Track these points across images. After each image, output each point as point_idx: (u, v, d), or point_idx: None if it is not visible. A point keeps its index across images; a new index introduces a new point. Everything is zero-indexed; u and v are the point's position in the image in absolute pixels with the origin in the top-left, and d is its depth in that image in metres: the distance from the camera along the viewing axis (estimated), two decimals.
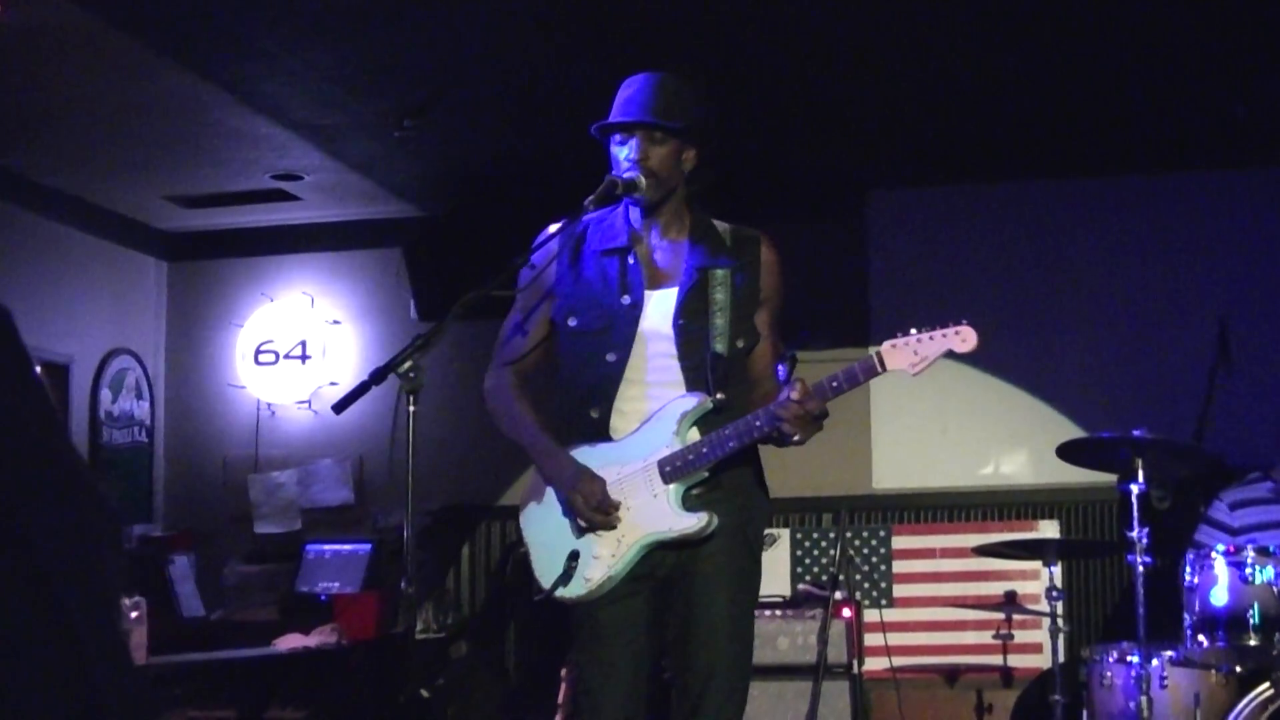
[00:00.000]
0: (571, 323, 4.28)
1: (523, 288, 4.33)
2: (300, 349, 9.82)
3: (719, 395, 4.15)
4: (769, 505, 4.45)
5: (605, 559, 4.15)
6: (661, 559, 4.17)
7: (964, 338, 4.06)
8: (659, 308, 4.23)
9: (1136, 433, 5.82)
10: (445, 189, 9.17)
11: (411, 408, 3.79)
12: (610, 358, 4.20)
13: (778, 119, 8.01)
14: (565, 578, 4.15)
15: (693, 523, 4.12)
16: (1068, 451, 6.24)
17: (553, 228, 4.32)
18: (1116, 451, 5.95)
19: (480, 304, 3.98)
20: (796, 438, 4.04)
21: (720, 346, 4.19)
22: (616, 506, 4.13)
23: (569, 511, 4.20)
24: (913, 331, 4.06)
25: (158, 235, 10.05)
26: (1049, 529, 8.52)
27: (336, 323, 9.86)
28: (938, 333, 4.06)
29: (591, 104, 4.44)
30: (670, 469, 4.12)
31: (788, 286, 4.45)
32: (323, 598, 8.51)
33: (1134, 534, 5.72)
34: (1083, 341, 8.72)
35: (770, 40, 6.93)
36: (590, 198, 4.13)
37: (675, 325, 4.20)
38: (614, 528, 4.14)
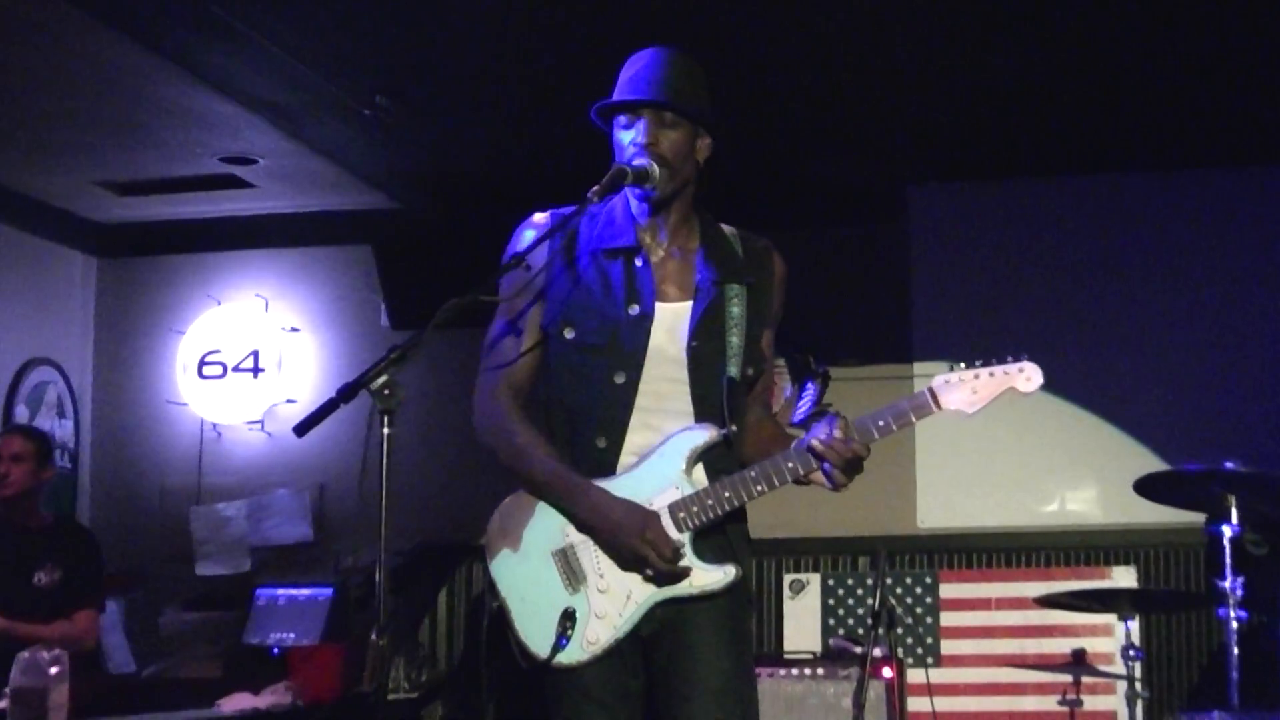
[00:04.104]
0: (569, 334, 4.23)
1: (509, 293, 4.29)
2: (252, 361, 9.82)
3: (733, 427, 4.16)
4: (751, 545, 4.43)
5: (611, 618, 4.12)
6: (651, 612, 4.16)
7: (1028, 376, 4.18)
8: (669, 323, 4.22)
9: (1228, 465, 5.81)
10: (423, 178, 9.18)
11: (386, 430, 3.77)
12: (619, 379, 4.17)
13: (804, 109, 8.02)
14: (563, 642, 4.12)
15: (718, 577, 4.11)
16: (1147, 486, 6.23)
17: (538, 217, 4.30)
18: (1204, 487, 5.94)
19: (465, 311, 3.97)
20: (844, 487, 4.09)
21: (734, 370, 4.20)
22: (681, 549, 4.12)
23: (565, 563, 4.18)
24: (961, 365, 4.14)
25: (86, 226, 10.05)
26: (1124, 577, 8.50)
27: (294, 330, 9.85)
28: (999, 369, 4.15)
29: (591, 89, 4.43)
30: (684, 515, 4.10)
31: (795, 302, 4.48)
32: (275, 651, 8.49)
33: (1225, 584, 5.71)
34: (1163, 359, 8.70)
35: (794, 21, 6.94)
36: (595, 188, 4.10)
37: (688, 347, 4.19)
38: (678, 577, 4.14)
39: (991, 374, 4.14)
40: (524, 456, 4.24)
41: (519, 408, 4.29)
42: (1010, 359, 4.14)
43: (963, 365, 4.14)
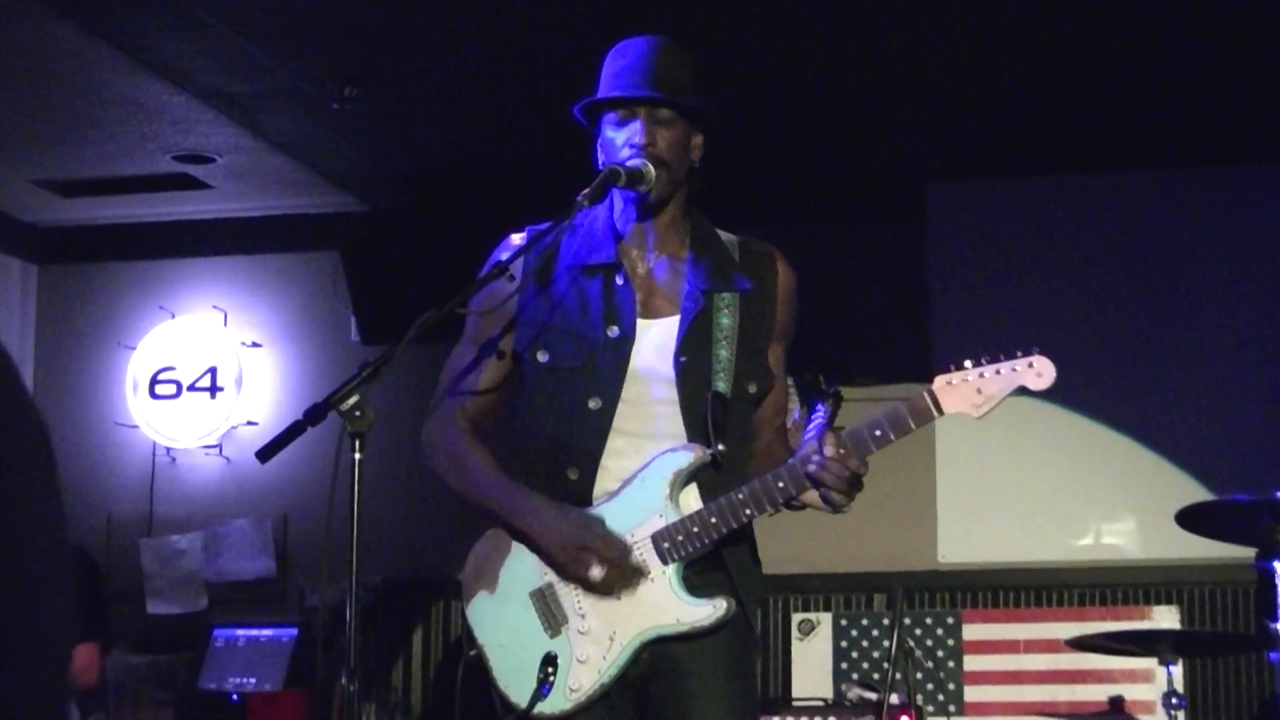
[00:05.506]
0: (542, 358, 4.22)
1: (482, 308, 4.26)
2: (209, 379, 9.82)
3: (719, 446, 4.13)
4: (763, 583, 4.40)
5: (594, 662, 4.09)
6: (638, 654, 4.14)
7: (1039, 371, 4.03)
8: (655, 341, 4.20)
9: None
10: (395, 177, 9.18)
11: (357, 455, 3.77)
12: (593, 404, 4.15)
13: (815, 102, 8.03)
14: (544, 690, 4.11)
15: (707, 612, 4.08)
16: (1191, 518, 6.23)
17: (515, 238, 4.31)
18: (1254, 518, 5.95)
19: (441, 325, 3.97)
20: (845, 508, 4.03)
21: (722, 385, 4.16)
22: (631, 548, 4.09)
23: (545, 604, 4.16)
24: (968, 364, 4.04)
25: (24, 230, 10.04)
26: (1166, 617, 8.51)
27: (255, 345, 9.86)
28: (1005, 365, 4.03)
29: (579, 80, 4.44)
30: (669, 545, 4.07)
31: (803, 314, 4.43)
32: (234, 697, 8.49)
33: (1277, 625, 5.71)
34: (1208, 377, 8.70)
35: (810, 9, 6.96)
36: (584, 193, 4.09)
37: (677, 363, 4.17)
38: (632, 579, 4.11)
39: (998, 371, 4.02)
40: (464, 472, 4.28)
41: (471, 430, 4.31)
42: (1019, 353, 4.02)
43: (968, 363, 4.07)
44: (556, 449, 4.20)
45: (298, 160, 8.84)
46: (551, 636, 4.14)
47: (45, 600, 2.61)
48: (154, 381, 9.87)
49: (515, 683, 4.15)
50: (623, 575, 4.07)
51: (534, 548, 4.17)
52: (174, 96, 7.90)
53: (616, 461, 4.15)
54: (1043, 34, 7.31)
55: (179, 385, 9.83)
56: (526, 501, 4.16)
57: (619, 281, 4.22)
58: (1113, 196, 8.95)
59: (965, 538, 8.90)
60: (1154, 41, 7.38)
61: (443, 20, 7.15)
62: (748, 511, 4.05)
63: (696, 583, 4.10)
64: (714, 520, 4.05)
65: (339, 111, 7.88)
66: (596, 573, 4.06)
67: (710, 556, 4.11)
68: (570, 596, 4.14)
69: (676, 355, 4.17)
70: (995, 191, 9.11)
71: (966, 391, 4.02)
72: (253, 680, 8.76)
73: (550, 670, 4.10)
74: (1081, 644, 6.97)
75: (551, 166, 4.82)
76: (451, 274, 4.17)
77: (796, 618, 8.85)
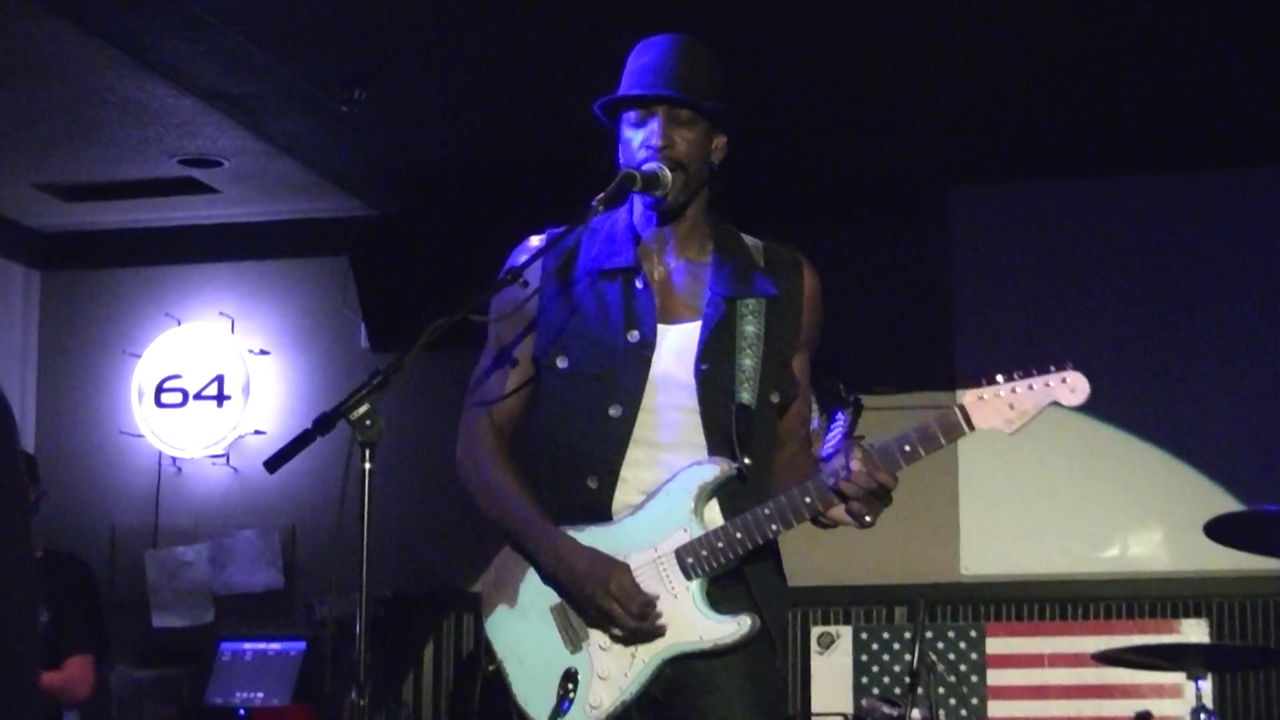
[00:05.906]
0: (561, 363, 4.21)
1: (499, 315, 4.25)
2: (215, 387, 9.82)
3: (745, 460, 4.12)
4: (789, 596, 4.39)
5: (616, 679, 4.09)
6: (661, 670, 4.13)
7: (1072, 386, 4.02)
8: (675, 347, 4.18)
9: None
10: (405, 181, 9.16)
11: (367, 465, 3.76)
12: (614, 412, 4.14)
13: (837, 104, 8.02)
14: (564, 706, 4.10)
15: (731, 630, 4.07)
16: (1220, 529, 6.21)
17: (534, 240, 4.29)
18: None
19: (453, 331, 3.96)
20: (868, 518, 4.02)
21: (747, 396, 4.14)
22: (655, 603, 4.08)
23: (565, 619, 4.15)
24: (999, 379, 4.03)
25: (27, 235, 10.05)
26: (1194, 631, 8.48)
27: (263, 353, 9.85)
28: (1038, 380, 4.02)
29: (597, 79, 4.42)
30: (693, 560, 4.06)
31: (827, 321, 4.41)
32: (240, 712, 8.47)
33: None
34: (1238, 384, 8.68)
35: (825, 6, 6.96)
36: (599, 197, 4.07)
37: (697, 370, 4.15)
38: (652, 635, 4.10)
39: (1031, 386, 4.01)
40: (496, 501, 4.26)
41: (502, 449, 4.29)
42: (1052, 368, 4.01)
43: (999, 378, 4.06)
44: (575, 458, 4.18)
45: (305, 164, 8.84)
46: (572, 652, 4.13)
47: (19, 613, 2.59)
48: (160, 390, 9.87)
49: (534, 699, 4.15)
50: (645, 619, 4.05)
51: (555, 585, 4.16)
52: (179, 99, 7.90)
53: (634, 472, 4.14)
54: (1067, 36, 7.30)
55: (185, 393, 9.83)
56: (552, 544, 4.13)
57: (638, 285, 4.20)
58: (1139, 201, 8.93)
59: (988, 549, 8.88)
60: (1183, 43, 7.37)
61: (451, 21, 7.14)
62: (774, 527, 4.04)
63: (720, 598, 4.09)
64: (739, 536, 4.04)
65: (348, 114, 7.86)
66: (618, 633, 4.07)
67: (733, 571, 4.10)
68: None
69: (697, 363, 4.15)
70: (1019, 195, 9.09)
71: (999, 407, 4.01)
72: (260, 695, 8.75)
73: (570, 686, 4.09)
74: (1107, 658, 6.94)
75: (564, 170, 4.82)
76: (462, 279, 4.16)
77: (816, 631, 8.84)
